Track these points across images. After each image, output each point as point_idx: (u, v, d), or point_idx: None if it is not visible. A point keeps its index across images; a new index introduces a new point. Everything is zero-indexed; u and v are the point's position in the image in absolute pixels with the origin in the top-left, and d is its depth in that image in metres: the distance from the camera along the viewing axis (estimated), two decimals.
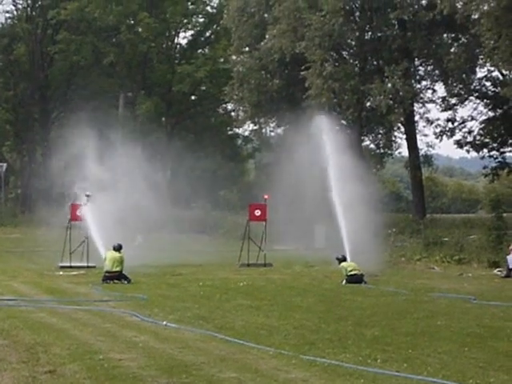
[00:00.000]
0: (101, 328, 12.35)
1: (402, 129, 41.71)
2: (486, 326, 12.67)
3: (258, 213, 26.06)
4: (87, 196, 24.69)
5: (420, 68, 41.36)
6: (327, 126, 25.28)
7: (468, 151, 42.78)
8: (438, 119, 41.91)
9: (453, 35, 39.03)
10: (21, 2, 61.26)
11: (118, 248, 20.12)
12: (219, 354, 10.09)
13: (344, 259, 20.35)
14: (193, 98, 61.02)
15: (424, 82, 41.22)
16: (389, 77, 36.00)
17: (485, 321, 13.23)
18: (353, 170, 22.51)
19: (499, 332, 12.03)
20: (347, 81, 37.09)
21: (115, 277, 19.71)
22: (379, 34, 39.45)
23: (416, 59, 39.95)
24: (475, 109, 41.46)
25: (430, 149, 42.42)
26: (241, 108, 45.76)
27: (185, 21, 59.43)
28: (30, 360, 9.70)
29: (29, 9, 60.48)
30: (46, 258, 26.31)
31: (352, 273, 19.66)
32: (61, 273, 22.74)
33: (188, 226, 35.96)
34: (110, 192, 24.31)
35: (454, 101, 40.91)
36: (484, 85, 40.65)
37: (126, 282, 19.60)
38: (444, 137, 41.65)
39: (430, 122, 41.42)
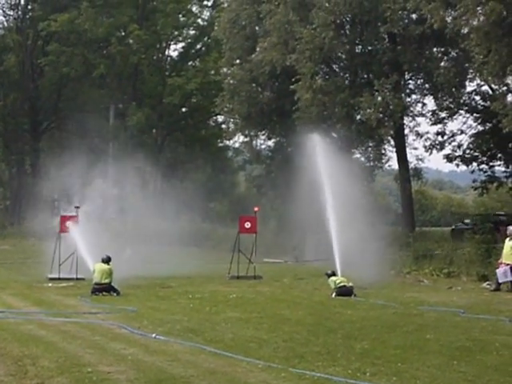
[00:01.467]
0: (89, 340, 12.29)
1: (392, 142, 41.79)
2: (475, 339, 12.67)
3: (248, 225, 26.04)
4: (76, 208, 24.71)
5: (410, 82, 41.44)
6: (318, 138, 25.32)
7: (457, 165, 42.86)
8: (427, 133, 41.87)
9: (442, 49, 39.13)
10: (11, 13, 61.41)
11: (106, 260, 20.08)
12: (208, 367, 10.06)
13: (333, 274, 20.38)
14: (183, 109, 61.10)
15: (414, 96, 41.28)
16: (379, 90, 36.08)
17: (474, 334, 13.23)
18: (344, 182, 22.54)
19: (488, 346, 12.03)
20: (337, 94, 37.16)
21: (104, 289, 19.67)
22: (369, 48, 39.55)
23: (406, 73, 40.00)
24: (465, 123, 41.53)
25: (420, 162, 42.48)
26: (231, 120, 45.81)
27: (176, 33, 59.64)
28: (17, 373, 9.64)
29: (19, 20, 60.54)
30: (35, 270, 26.18)
31: (341, 284, 19.70)
32: (50, 285, 22.64)
33: (178, 238, 35.90)
34: (99, 204, 24.29)
35: (443, 114, 40.92)
36: (473, 99, 40.73)
37: (115, 294, 19.56)
38: (434, 150, 41.70)
39: (419, 135, 41.38)
